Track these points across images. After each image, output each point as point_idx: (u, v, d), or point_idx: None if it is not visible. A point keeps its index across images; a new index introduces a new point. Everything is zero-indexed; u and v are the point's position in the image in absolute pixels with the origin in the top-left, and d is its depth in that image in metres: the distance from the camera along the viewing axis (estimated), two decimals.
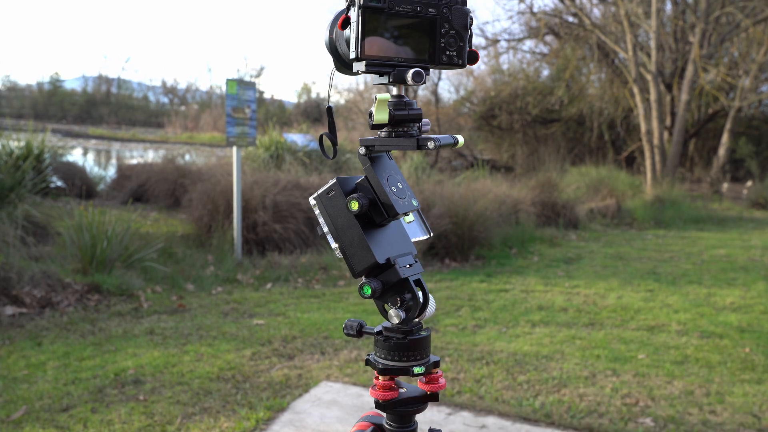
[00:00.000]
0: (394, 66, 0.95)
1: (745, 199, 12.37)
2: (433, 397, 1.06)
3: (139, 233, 6.18)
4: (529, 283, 5.40)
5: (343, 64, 1.02)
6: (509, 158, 18.03)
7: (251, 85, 6.09)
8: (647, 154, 13.07)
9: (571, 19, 15.40)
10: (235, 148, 5.82)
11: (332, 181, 1.02)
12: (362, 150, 1.01)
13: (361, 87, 19.37)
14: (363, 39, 0.92)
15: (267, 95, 42.78)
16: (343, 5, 0.96)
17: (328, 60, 1.04)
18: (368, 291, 1.00)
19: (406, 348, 1.02)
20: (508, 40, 16.93)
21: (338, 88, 21.04)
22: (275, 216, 6.16)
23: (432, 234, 1.17)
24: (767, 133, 17.39)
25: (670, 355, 3.57)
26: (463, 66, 0.99)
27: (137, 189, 9.46)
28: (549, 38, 17.22)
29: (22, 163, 6.57)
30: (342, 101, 20.49)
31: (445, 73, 17.07)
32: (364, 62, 0.93)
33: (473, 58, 1.00)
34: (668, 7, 15.36)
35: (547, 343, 3.76)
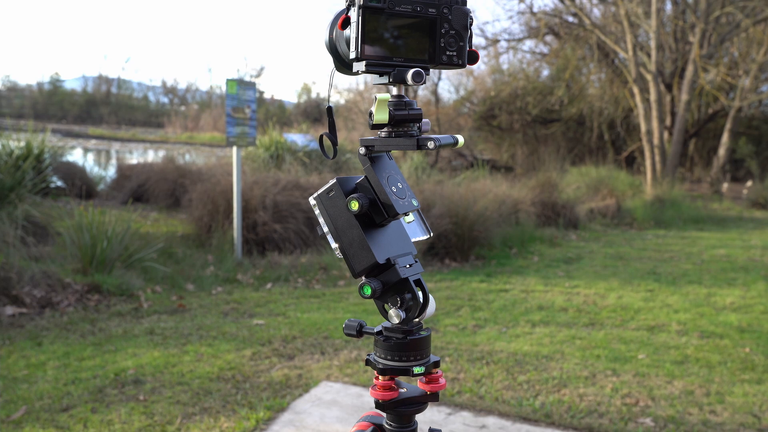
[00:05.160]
0: (394, 66, 0.95)
1: (745, 199, 12.37)
2: (433, 397, 1.06)
3: (139, 233, 6.18)
4: (529, 283, 5.40)
5: (343, 64, 1.02)
6: (509, 158, 18.03)
7: (251, 85, 6.09)
8: (647, 154, 13.07)
9: (571, 19, 15.40)
10: (235, 148, 5.82)
11: (332, 181, 1.02)
12: (362, 150, 1.01)
13: (361, 87, 19.39)
14: (363, 40, 0.92)
15: (267, 95, 42.86)
16: (343, 5, 0.96)
17: (328, 60, 1.04)
18: (368, 291, 1.00)
19: (406, 348, 1.03)
20: (508, 40, 16.95)
21: (338, 88, 21.07)
22: (275, 216, 6.16)
23: (432, 234, 1.17)
24: (767, 133, 17.39)
25: (670, 355, 3.57)
26: (463, 66, 0.99)
27: (137, 189, 9.46)
28: (549, 38, 17.22)
29: (22, 163, 6.57)
30: (342, 101, 20.50)
31: (445, 73, 17.08)
32: (364, 62, 0.93)
33: (473, 58, 1.00)
34: (668, 7, 15.37)
35: (547, 343, 3.76)
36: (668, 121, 14.94)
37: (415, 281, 1.02)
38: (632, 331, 4.05)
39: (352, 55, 0.93)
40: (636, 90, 13.17)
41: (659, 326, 4.16)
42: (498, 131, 18.20)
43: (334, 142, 1.03)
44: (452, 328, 4.03)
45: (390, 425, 1.07)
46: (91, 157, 18.06)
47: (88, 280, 4.52)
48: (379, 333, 1.05)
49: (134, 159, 17.32)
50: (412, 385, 1.08)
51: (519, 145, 17.98)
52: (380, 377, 1.04)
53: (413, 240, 1.11)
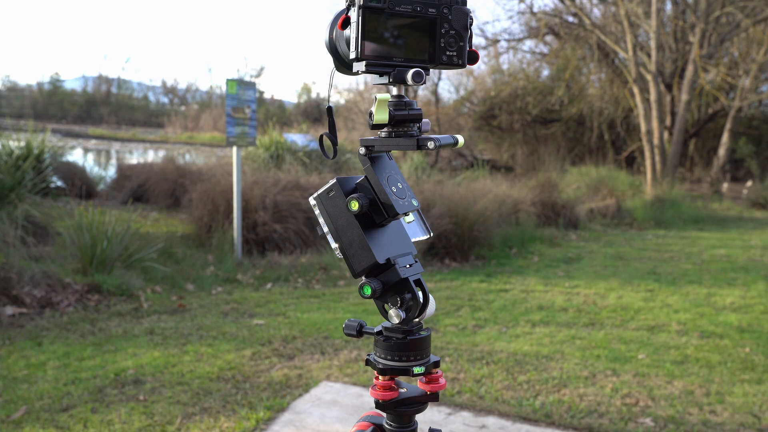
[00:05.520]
0: (394, 66, 0.95)
1: (745, 199, 12.37)
2: (433, 397, 1.06)
3: (139, 233, 6.18)
4: (529, 283, 5.40)
5: (343, 64, 1.02)
6: (509, 158, 18.04)
7: (251, 85, 6.09)
8: (647, 154, 13.07)
9: (571, 19, 15.40)
10: (235, 148, 5.82)
11: (332, 181, 1.02)
12: (362, 150, 1.01)
13: (361, 87, 19.40)
14: (363, 39, 0.92)
15: (267, 95, 42.88)
16: (343, 5, 0.96)
17: (328, 60, 1.04)
18: (368, 291, 1.00)
19: (406, 348, 1.03)
20: (508, 40, 16.95)
21: (338, 88, 21.08)
22: (275, 216, 6.16)
23: (432, 234, 1.17)
24: (767, 133, 17.39)
25: (670, 355, 3.57)
26: (463, 66, 0.99)
27: (137, 189, 9.46)
28: (549, 38, 17.22)
29: (22, 163, 6.57)
30: (342, 101, 20.51)
31: (445, 73, 17.08)
32: (364, 62, 0.93)
33: (473, 58, 1.00)
34: (668, 7, 15.37)
35: (547, 343, 3.76)
36: (668, 121, 14.94)
37: (415, 281, 1.02)
38: (632, 331, 4.05)
39: (352, 55, 0.93)
40: (636, 90, 13.17)
41: (659, 326, 4.16)
42: (498, 131, 18.20)
43: (334, 142, 1.03)
44: (452, 328, 4.03)
45: (390, 425, 1.07)
46: (91, 157, 18.06)
47: (88, 280, 4.52)
48: (379, 333, 1.05)
49: (134, 159, 17.32)
50: (412, 385, 1.08)
51: (519, 145, 17.98)
52: (380, 377, 1.04)
53: (413, 240, 1.11)
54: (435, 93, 18.43)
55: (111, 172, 12.20)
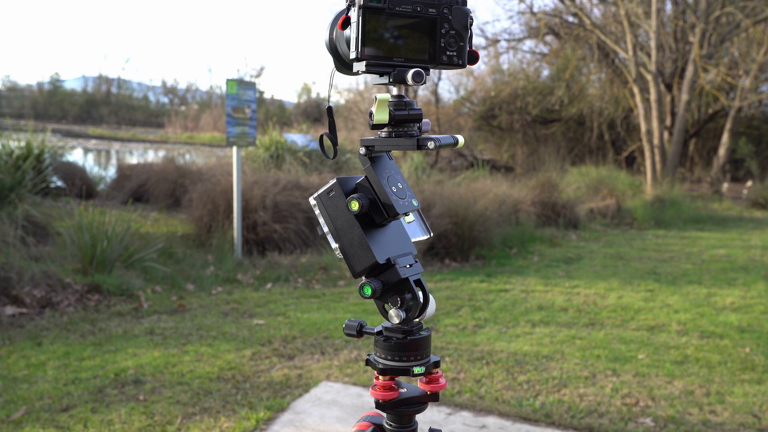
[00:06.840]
0: (394, 66, 0.95)
1: (745, 199, 12.37)
2: (433, 397, 1.06)
3: (139, 233, 6.18)
4: (529, 283, 5.40)
5: (344, 64, 1.02)
6: (509, 158, 18.04)
7: (251, 85, 6.09)
8: (647, 154, 13.07)
9: (571, 19, 15.40)
10: (235, 148, 5.82)
11: (332, 181, 1.02)
12: (362, 150, 1.01)
13: (361, 87, 19.38)
14: (363, 40, 0.92)
15: (267, 95, 42.86)
16: (343, 5, 0.96)
17: (328, 60, 1.04)
18: (368, 291, 1.00)
19: (406, 348, 1.03)
20: (508, 40, 16.94)
21: (338, 88, 21.07)
22: (275, 216, 6.16)
23: (432, 234, 1.17)
24: (767, 133, 17.39)
25: (670, 355, 3.57)
26: (463, 66, 0.99)
27: (137, 189, 9.46)
28: (549, 38, 17.22)
29: (22, 163, 6.57)
30: (342, 101, 20.50)
31: (445, 73, 17.08)
32: (364, 62, 0.93)
33: (473, 58, 1.00)
34: (668, 7, 15.37)
35: (547, 343, 3.76)
36: (668, 121, 14.94)
37: (415, 281, 1.02)
38: (632, 331, 4.05)
39: (353, 56, 0.93)
40: (636, 90, 13.17)
41: (659, 326, 4.16)
42: (498, 131, 18.20)
43: (334, 142, 1.03)
44: (452, 328, 4.03)
45: (390, 425, 1.07)
46: (91, 157, 18.05)
47: (88, 280, 4.52)
48: (379, 333, 1.05)
49: (134, 159, 17.32)
50: (413, 385, 1.08)
51: (519, 145, 17.98)
52: (380, 377, 1.04)
53: (413, 240, 1.11)
54: (435, 93, 18.44)
55: (111, 172, 12.20)
